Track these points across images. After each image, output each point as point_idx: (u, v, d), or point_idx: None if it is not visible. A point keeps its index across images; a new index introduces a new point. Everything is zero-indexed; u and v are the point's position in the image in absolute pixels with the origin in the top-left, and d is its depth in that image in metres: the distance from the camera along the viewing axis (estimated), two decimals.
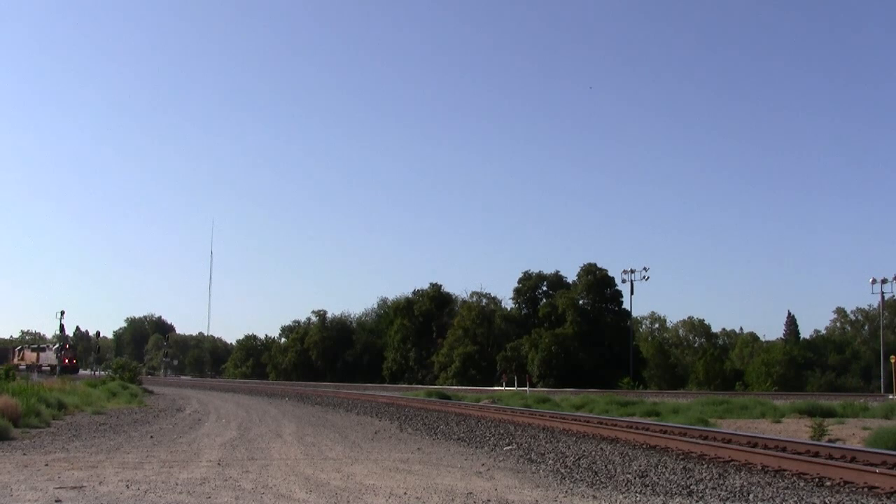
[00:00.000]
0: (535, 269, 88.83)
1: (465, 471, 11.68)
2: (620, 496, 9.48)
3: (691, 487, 10.05)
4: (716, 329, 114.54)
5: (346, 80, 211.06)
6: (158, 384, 67.10)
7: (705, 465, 12.15)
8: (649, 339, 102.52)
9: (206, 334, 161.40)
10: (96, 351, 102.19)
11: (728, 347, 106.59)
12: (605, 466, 12.08)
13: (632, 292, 76.58)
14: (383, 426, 20.85)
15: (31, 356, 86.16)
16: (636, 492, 9.79)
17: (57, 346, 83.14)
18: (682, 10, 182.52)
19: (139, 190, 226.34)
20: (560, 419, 21.56)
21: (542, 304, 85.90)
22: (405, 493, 9.43)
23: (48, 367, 77.38)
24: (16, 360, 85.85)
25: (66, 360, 77.10)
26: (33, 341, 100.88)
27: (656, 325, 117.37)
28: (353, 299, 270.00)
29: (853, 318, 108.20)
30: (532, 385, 60.12)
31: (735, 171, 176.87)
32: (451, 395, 42.29)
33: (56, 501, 8.71)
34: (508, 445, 15.52)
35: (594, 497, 9.43)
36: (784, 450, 13.12)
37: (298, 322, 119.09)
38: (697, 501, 9.23)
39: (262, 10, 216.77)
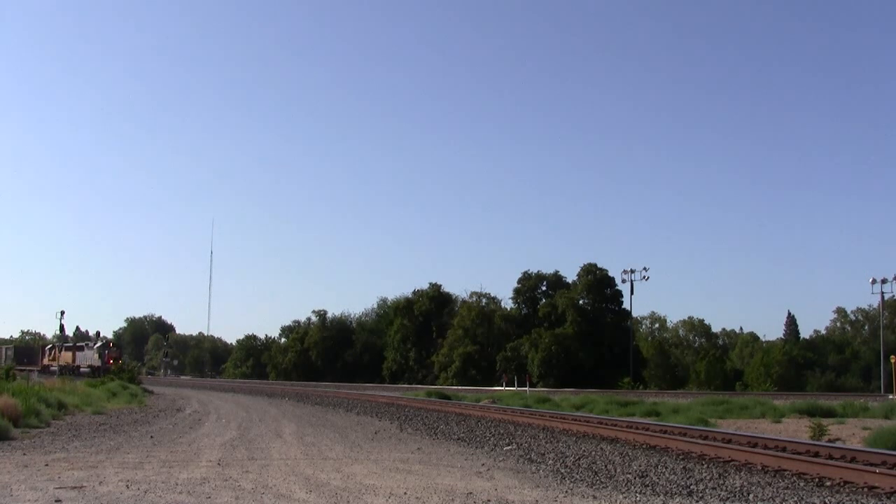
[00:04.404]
0: (534, 269, 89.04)
1: (465, 471, 11.68)
2: (620, 496, 9.48)
3: (691, 487, 10.05)
4: (716, 329, 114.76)
5: (346, 80, 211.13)
6: (158, 384, 67.04)
7: (705, 465, 12.15)
8: (649, 339, 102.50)
9: (206, 334, 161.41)
10: None
11: (728, 347, 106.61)
12: (605, 466, 12.08)
13: (632, 292, 76.70)
14: (383, 426, 20.85)
15: (66, 356, 76.23)
16: (636, 492, 9.79)
17: (99, 344, 74.83)
18: (683, 10, 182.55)
19: (139, 190, 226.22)
20: (560, 419, 21.54)
21: (542, 304, 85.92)
22: (405, 493, 9.43)
23: (88, 368, 68.94)
24: (47, 361, 78.13)
25: (111, 361, 68.20)
26: (68, 339, 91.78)
27: (656, 325, 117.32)
28: (353, 299, 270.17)
29: (853, 318, 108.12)
30: (532, 385, 60.09)
31: (735, 171, 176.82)
32: (451, 395, 42.26)
33: (56, 501, 8.71)
34: (508, 445, 15.51)
35: (594, 497, 9.43)
36: (784, 450, 13.12)
37: (298, 322, 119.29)
38: (697, 501, 9.23)
39: (261, 11, 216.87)
